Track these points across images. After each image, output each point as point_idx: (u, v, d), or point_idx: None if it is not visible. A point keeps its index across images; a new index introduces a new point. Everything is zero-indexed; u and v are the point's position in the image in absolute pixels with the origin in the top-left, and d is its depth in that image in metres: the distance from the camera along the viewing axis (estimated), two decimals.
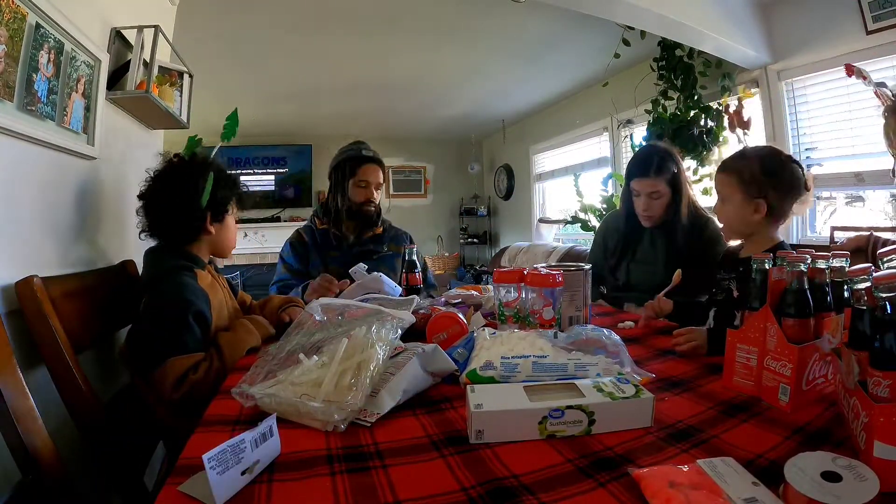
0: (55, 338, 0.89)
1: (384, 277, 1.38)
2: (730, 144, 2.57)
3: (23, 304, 0.87)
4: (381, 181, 1.71)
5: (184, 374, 0.92)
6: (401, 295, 1.40)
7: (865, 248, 1.39)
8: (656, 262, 1.53)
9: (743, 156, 1.16)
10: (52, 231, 1.07)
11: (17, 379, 0.74)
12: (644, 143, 2.78)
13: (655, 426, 0.58)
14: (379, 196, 1.71)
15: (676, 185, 1.48)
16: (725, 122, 2.50)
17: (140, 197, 1.13)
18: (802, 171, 1.11)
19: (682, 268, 1.27)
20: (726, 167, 1.16)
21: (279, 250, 1.74)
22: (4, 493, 0.79)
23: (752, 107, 2.57)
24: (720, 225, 1.23)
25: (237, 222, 1.27)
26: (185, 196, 1.09)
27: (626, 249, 1.60)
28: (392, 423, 0.62)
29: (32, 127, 0.96)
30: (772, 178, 1.08)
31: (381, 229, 1.74)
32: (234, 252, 1.30)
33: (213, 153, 1.23)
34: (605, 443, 0.55)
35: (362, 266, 1.40)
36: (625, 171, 1.61)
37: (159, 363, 0.93)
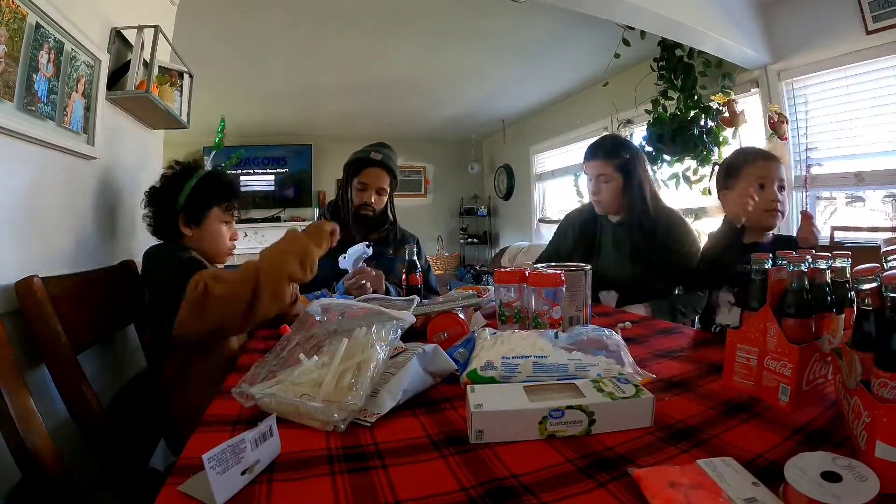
0: (55, 338, 0.89)
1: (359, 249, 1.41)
2: (730, 145, 2.57)
3: (23, 304, 0.87)
4: (385, 186, 1.63)
5: (200, 281, 0.91)
6: (400, 294, 1.40)
7: None
8: (621, 255, 1.52)
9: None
10: (52, 231, 1.07)
11: (17, 379, 0.74)
12: (644, 144, 2.79)
13: (655, 426, 0.58)
14: (383, 201, 1.65)
15: (628, 171, 1.48)
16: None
17: (146, 195, 1.19)
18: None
19: (644, 263, 1.40)
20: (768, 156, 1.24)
21: None
22: (4, 493, 0.79)
23: (751, 106, 2.57)
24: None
25: (240, 222, 1.27)
26: (166, 197, 1.15)
27: (589, 242, 1.59)
28: (392, 423, 0.61)
29: (32, 127, 0.96)
30: None
31: (388, 234, 1.69)
32: (234, 252, 1.29)
33: (211, 158, 1.26)
34: (606, 443, 0.55)
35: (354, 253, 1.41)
36: None
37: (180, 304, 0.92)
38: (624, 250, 1.52)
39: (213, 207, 1.18)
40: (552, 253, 1.69)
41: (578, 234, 1.62)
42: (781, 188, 1.21)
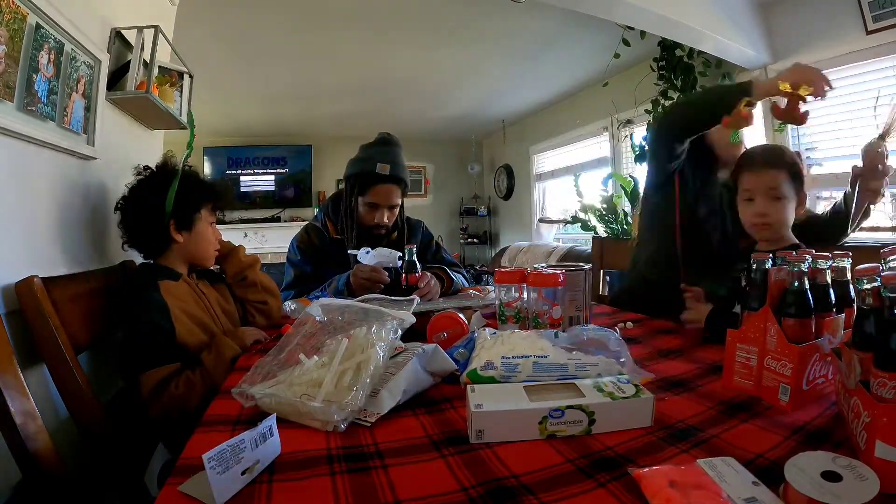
0: (55, 338, 0.89)
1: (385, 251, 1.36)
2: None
3: (23, 304, 0.87)
4: (397, 201, 1.51)
5: (157, 386, 0.91)
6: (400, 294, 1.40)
7: None
8: None
9: (782, 150, 1.08)
10: (52, 231, 1.07)
11: (17, 379, 0.74)
12: (644, 144, 2.78)
13: (655, 426, 0.58)
14: (395, 214, 1.54)
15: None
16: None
17: (115, 210, 1.13)
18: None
19: None
20: (776, 162, 1.01)
21: (280, 250, 1.68)
22: (4, 493, 0.79)
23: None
24: (771, 228, 1.03)
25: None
26: (150, 205, 1.09)
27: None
28: (392, 423, 0.61)
29: (32, 127, 0.96)
30: (801, 171, 1.05)
31: (395, 236, 1.62)
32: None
33: (183, 159, 1.20)
34: (606, 443, 0.55)
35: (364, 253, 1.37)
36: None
37: (135, 380, 0.92)
38: None
39: (200, 209, 1.15)
40: None
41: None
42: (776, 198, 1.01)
